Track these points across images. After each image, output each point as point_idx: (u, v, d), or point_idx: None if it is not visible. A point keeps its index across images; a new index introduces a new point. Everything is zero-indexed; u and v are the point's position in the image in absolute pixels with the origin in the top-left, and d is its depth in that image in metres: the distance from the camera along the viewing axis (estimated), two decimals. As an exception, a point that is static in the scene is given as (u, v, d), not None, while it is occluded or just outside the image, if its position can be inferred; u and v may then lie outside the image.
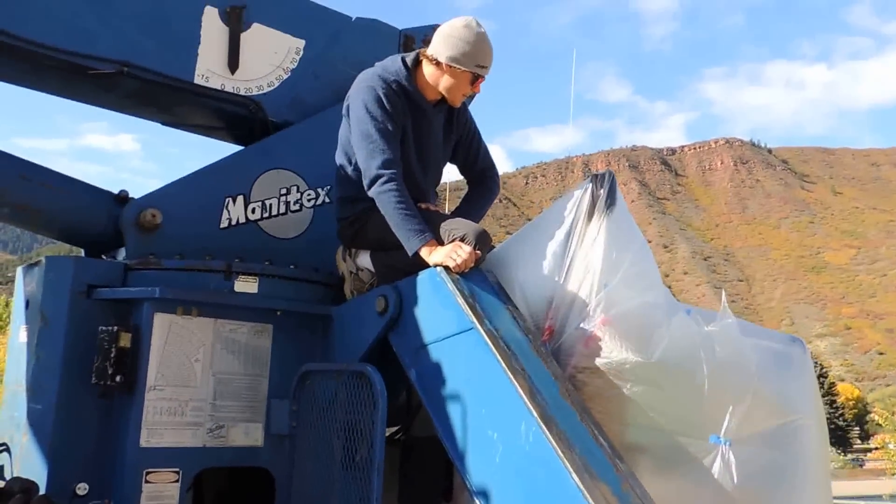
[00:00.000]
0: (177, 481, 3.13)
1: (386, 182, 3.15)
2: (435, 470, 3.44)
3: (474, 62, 3.25)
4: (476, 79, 3.30)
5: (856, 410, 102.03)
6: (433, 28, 4.55)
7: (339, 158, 3.48)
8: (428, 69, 3.33)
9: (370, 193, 3.19)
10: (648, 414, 3.06)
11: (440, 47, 3.27)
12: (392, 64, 3.38)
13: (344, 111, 3.43)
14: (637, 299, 3.21)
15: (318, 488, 3.16)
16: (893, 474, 16.06)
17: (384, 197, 3.15)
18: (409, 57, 3.39)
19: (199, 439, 3.21)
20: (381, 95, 3.24)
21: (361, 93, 3.28)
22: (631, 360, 3.09)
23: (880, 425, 16.61)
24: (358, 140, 3.26)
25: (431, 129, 3.47)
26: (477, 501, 2.66)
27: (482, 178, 3.76)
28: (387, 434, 3.84)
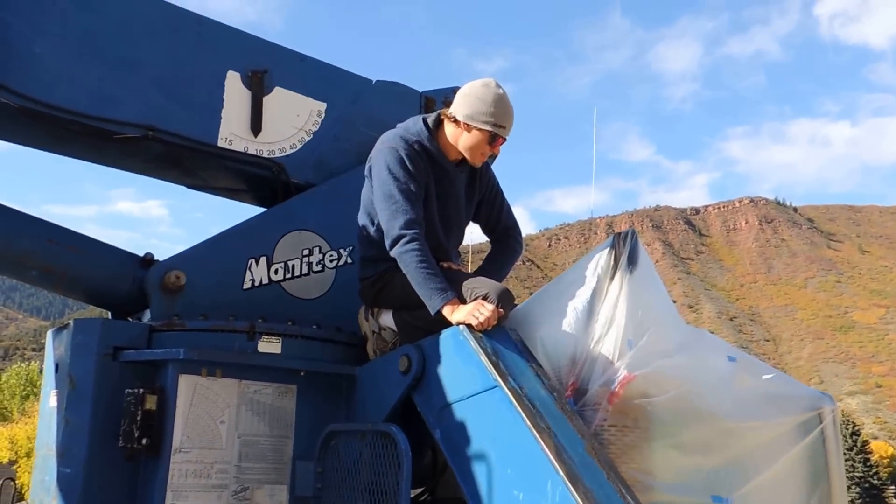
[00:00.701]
0: (201, 545, 3.15)
1: (408, 242, 3.21)
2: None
3: (492, 121, 3.31)
4: (495, 139, 3.35)
5: (890, 469, 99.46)
6: (453, 90, 4.70)
7: (362, 219, 3.57)
8: (448, 128, 3.43)
9: (392, 253, 3.26)
10: (678, 471, 3.05)
11: (459, 106, 3.38)
12: (414, 125, 3.48)
13: (366, 172, 3.52)
14: (663, 356, 3.24)
15: (343, 552, 3.16)
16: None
17: (406, 257, 3.21)
18: (431, 117, 3.48)
19: (224, 502, 3.24)
20: (404, 156, 3.33)
21: (384, 154, 3.37)
22: (658, 417, 3.11)
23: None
24: (380, 201, 3.34)
25: (454, 189, 3.54)
26: (503, 563, 2.65)
27: (505, 237, 3.81)
28: (412, 495, 3.86)
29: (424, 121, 3.48)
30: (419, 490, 3.79)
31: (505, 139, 3.42)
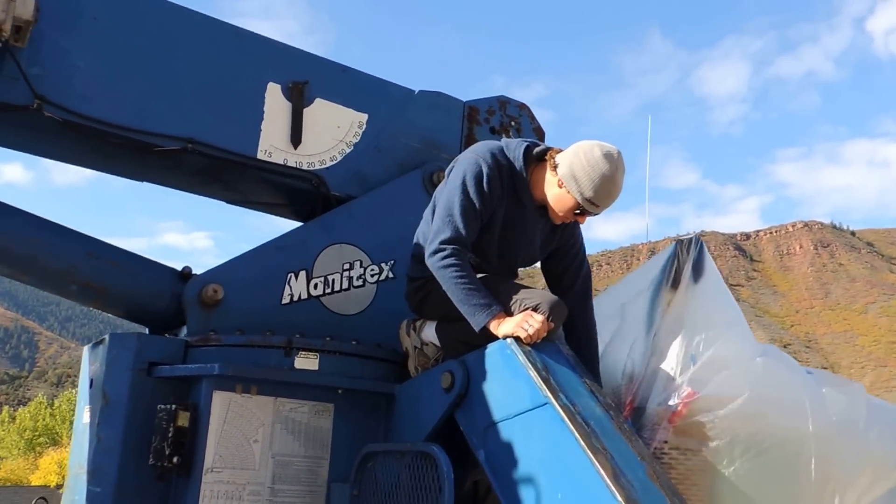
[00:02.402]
0: (230, 572, 2.97)
1: (447, 256, 3.00)
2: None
3: (589, 196, 2.98)
4: (584, 211, 3.06)
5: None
6: (498, 99, 4.54)
7: (427, 214, 3.34)
8: (548, 172, 3.11)
9: (428, 264, 3.07)
10: (746, 496, 2.79)
11: (566, 159, 3.05)
12: (515, 148, 3.18)
13: (448, 170, 3.29)
14: (728, 370, 2.99)
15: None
16: None
17: (442, 273, 3.00)
18: (537, 148, 3.18)
19: (256, 526, 3.06)
20: (485, 174, 3.07)
21: (468, 163, 3.13)
22: (725, 436, 2.86)
23: None
24: (441, 208, 3.14)
25: (525, 227, 3.25)
26: None
27: (579, 312, 3.30)
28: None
29: (528, 148, 3.16)
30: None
31: (595, 214, 3.11)
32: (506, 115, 4.51)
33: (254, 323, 3.45)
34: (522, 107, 4.62)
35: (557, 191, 3.06)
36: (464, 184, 3.07)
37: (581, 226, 3.30)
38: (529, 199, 3.17)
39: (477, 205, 3.05)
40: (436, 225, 3.10)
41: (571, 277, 3.34)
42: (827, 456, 2.85)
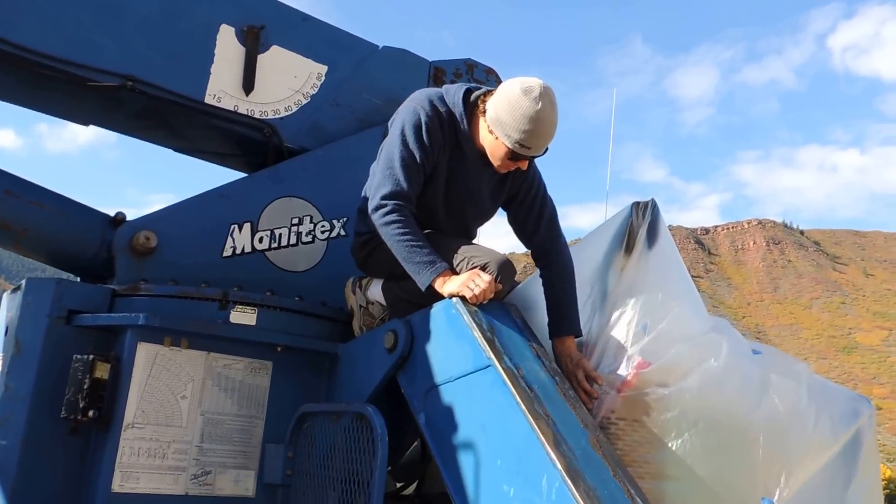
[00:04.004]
0: (152, 532, 2.65)
1: (389, 213, 2.68)
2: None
3: (517, 139, 2.63)
4: (517, 156, 2.70)
5: (888, 491, 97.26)
6: (465, 62, 4.20)
7: (373, 168, 2.96)
8: (481, 118, 2.77)
9: (374, 221, 2.75)
10: (693, 471, 2.52)
11: (492, 105, 2.71)
12: (454, 94, 2.84)
13: (390, 121, 2.94)
14: (682, 343, 2.71)
15: (311, 548, 2.66)
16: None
17: (386, 229, 2.68)
18: (476, 93, 2.82)
19: (181, 486, 2.74)
20: (424, 123, 2.74)
21: (407, 112, 2.80)
22: (674, 409, 2.58)
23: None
24: (381, 161, 2.82)
25: (469, 176, 2.91)
26: (487, 571, 2.13)
27: (545, 255, 2.94)
28: (396, 489, 3.34)
29: (467, 94, 2.81)
30: (403, 484, 3.30)
31: (532, 157, 2.75)
32: (472, 79, 4.18)
33: (190, 275, 3.11)
34: (490, 72, 4.29)
35: (489, 138, 2.72)
36: (403, 135, 2.74)
37: (536, 169, 2.97)
38: (472, 148, 2.82)
39: (418, 156, 2.73)
40: (377, 179, 2.78)
41: (535, 222, 2.97)
42: (775, 434, 2.61)
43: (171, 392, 2.77)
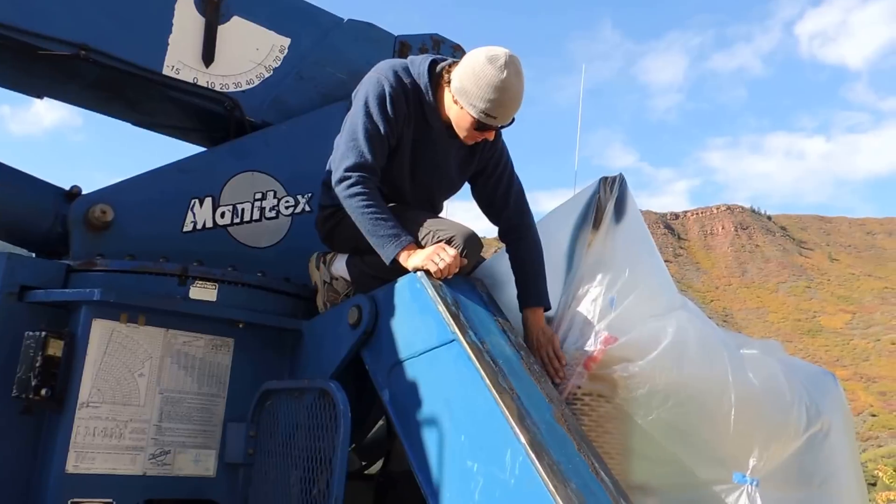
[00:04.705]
0: (109, 513, 2.57)
1: (352, 185, 2.60)
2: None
3: (482, 108, 2.56)
4: (484, 126, 2.63)
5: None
6: (432, 37, 4.12)
7: (337, 140, 2.87)
8: (446, 88, 2.69)
9: (338, 194, 2.67)
10: (661, 447, 2.50)
11: (456, 74, 2.64)
12: (419, 64, 2.76)
13: (354, 92, 2.85)
14: (650, 317, 2.69)
15: (273, 528, 2.60)
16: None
17: (350, 202, 2.61)
18: (442, 64, 2.74)
19: (139, 466, 2.67)
20: (388, 94, 2.66)
21: (370, 83, 2.72)
22: (643, 385, 2.55)
23: (885, 482, 15.80)
24: (344, 133, 2.75)
25: (436, 149, 2.83)
26: (451, 547, 2.09)
27: (514, 230, 2.88)
28: (360, 467, 3.29)
29: (432, 65, 2.73)
30: (367, 462, 3.25)
31: (499, 127, 2.67)
32: (439, 55, 4.09)
33: (149, 250, 3.01)
34: (457, 48, 4.21)
35: (455, 108, 2.65)
36: (366, 106, 2.66)
37: (504, 143, 2.91)
38: (437, 120, 2.75)
39: (381, 128, 2.65)
40: (340, 151, 2.71)
41: (503, 197, 2.90)
42: (749, 409, 2.59)
43: (127, 370, 2.69)
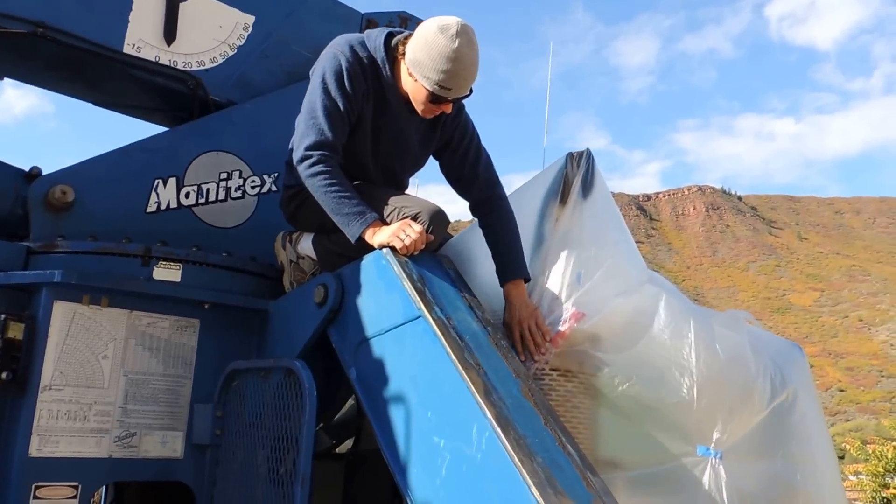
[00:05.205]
0: (74, 497, 2.54)
1: (314, 164, 2.55)
2: (383, 486, 2.87)
3: (436, 80, 2.50)
4: (439, 99, 2.57)
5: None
6: (399, 14, 4.07)
7: (298, 119, 2.78)
8: (401, 61, 2.63)
9: (300, 174, 2.62)
10: (628, 422, 2.51)
11: (410, 46, 2.58)
12: (375, 38, 2.69)
13: (311, 70, 2.80)
14: (618, 293, 2.69)
15: (241, 508, 2.57)
16: (865, 503, 15.52)
17: (312, 181, 2.56)
18: (398, 37, 2.66)
19: (105, 449, 2.62)
20: (345, 70, 2.60)
21: (327, 59, 2.67)
22: (609, 360, 2.56)
23: (853, 455, 16.11)
24: (303, 111, 2.69)
25: (397, 125, 2.78)
26: (418, 523, 2.08)
27: (486, 202, 2.83)
28: (328, 446, 3.28)
29: (388, 39, 2.67)
30: (336, 441, 3.23)
31: (455, 99, 2.61)
32: (397, 29, 4.05)
33: (112, 231, 2.96)
34: (425, 26, 4.16)
35: (410, 81, 2.60)
36: (324, 82, 2.61)
37: (468, 116, 2.88)
38: (396, 95, 2.69)
39: (341, 104, 2.60)
40: (300, 130, 2.66)
41: (471, 169, 2.85)
42: (710, 384, 2.60)
43: (91, 352, 2.64)
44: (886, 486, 14.54)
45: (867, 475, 14.99)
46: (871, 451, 15.29)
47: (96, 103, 3.64)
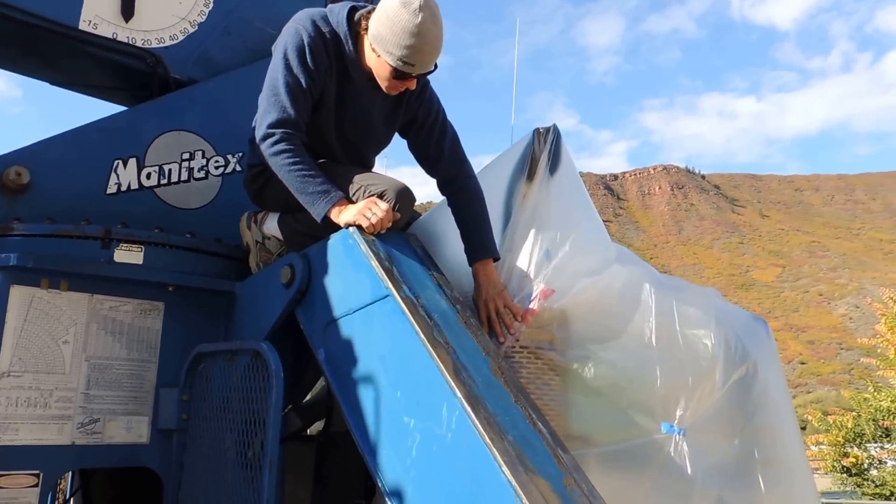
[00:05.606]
0: (36, 485, 2.46)
1: (277, 142, 2.47)
2: (355, 468, 2.82)
3: (399, 55, 2.42)
4: (402, 75, 2.49)
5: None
6: (368, -11, 3.97)
7: (260, 97, 2.69)
8: (364, 36, 2.55)
9: (262, 152, 2.54)
10: (597, 399, 2.49)
11: (373, 21, 2.50)
12: (337, 12, 2.60)
13: (273, 45, 2.69)
14: (586, 271, 2.65)
15: (210, 492, 2.51)
16: (826, 472, 15.88)
17: (275, 160, 2.48)
18: (360, 11, 2.58)
19: (67, 436, 2.54)
20: (307, 46, 2.51)
21: (289, 34, 2.57)
22: (577, 338, 2.53)
23: (815, 426, 16.45)
24: (265, 89, 2.61)
25: (360, 102, 2.70)
26: (389, 504, 2.04)
27: (454, 181, 2.76)
28: (298, 428, 3.22)
29: (351, 13, 2.58)
30: (309, 423, 3.18)
31: (420, 75, 2.53)
32: (361, 3, 3.95)
33: (72, 213, 2.86)
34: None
35: (373, 57, 2.52)
36: (286, 58, 2.52)
37: (433, 92, 2.81)
38: (359, 71, 2.60)
39: (303, 80, 2.51)
40: (262, 107, 2.57)
41: (437, 145, 2.78)
42: (672, 363, 2.59)
43: (51, 337, 2.55)
44: (847, 455, 14.87)
45: (828, 445, 15.31)
46: (831, 422, 15.61)
47: (53, 82, 3.51)
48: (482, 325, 2.45)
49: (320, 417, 3.19)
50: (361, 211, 2.41)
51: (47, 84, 3.59)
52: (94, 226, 2.72)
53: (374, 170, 2.97)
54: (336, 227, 2.48)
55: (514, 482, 1.71)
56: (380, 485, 2.09)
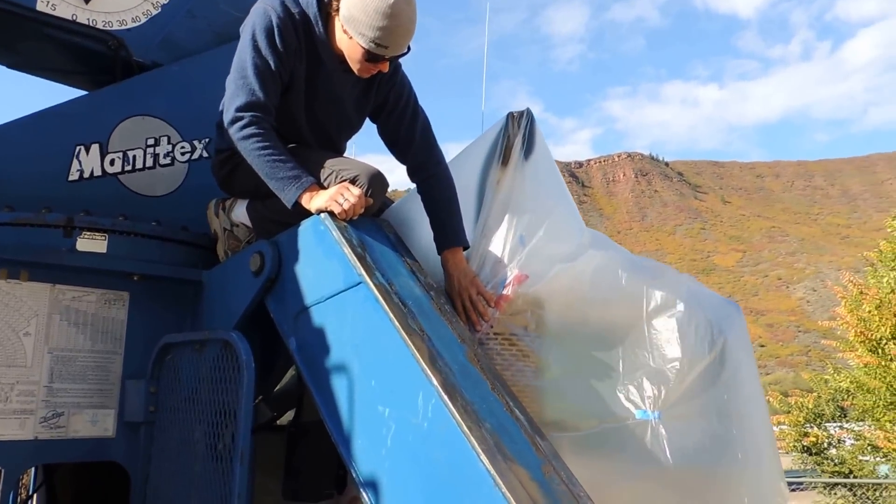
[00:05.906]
0: (-3, 482, 2.36)
1: (246, 126, 2.39)
2: (326, 458, 2.76)
3: (372, 37, 2.35)
4: (375, 57, 2.42)
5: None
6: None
7: (228, 80, 2.59)
8: (336, 18, 2.47)
9: (231, 136, 2.45)
10: (572, 385, 2.47)
11: (345, 1, 2.41)
12: None
13: (241, 27, 2.59)
14: (560, 257, 2.62)
15: (179, 485, 2.44)
16: (787, 452, 16.17)
17: (244, 144, 2.40)
18: None
19: (30, 430, 2.46)
20: (275, 27, 2.43)
21: (257, 15, 2.48)
22: (552, 325, 2.50)
23: (775, 407, 16.72)
24: (233, 71, 2.51)
25: (331, 85, 2.63)
26: (364, 495, 1.99)
27: (423, 168, 2.69)
28: (268, 418, 3.16)
29: None
30: (280, 413, 3.12)
31: (392, 58, 2.46)
32: None
33: (32, 201, 2.74)
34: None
35: (345, 38, 2.44)
36: (254, 40, 2.43)
37: (405, 76, 2.74)
38: (329, 53, 2.53)
39: (272, 63, 2.42)
40: (230, 90, 2.48)
41: (408, 130, 2.71)
42: (645, 345, 2.57)
43: (11, 329, 2.45)
44: (807, 435, 15.14)
45: (789, 425, 15.58)
46: (792, 403, 15.88)
47: (10, 66, 3.37)
48: (458, 315, 2.41)
49: (291, 407, 3.13)
50: (333, 196, 2.35)
51: (4, 67, 3.46)
52: (56, 214, 2.62)
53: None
54: (307, 214, 2.41)
55: (492, 471, 1.67)
56: (354, 475, 2.04)
